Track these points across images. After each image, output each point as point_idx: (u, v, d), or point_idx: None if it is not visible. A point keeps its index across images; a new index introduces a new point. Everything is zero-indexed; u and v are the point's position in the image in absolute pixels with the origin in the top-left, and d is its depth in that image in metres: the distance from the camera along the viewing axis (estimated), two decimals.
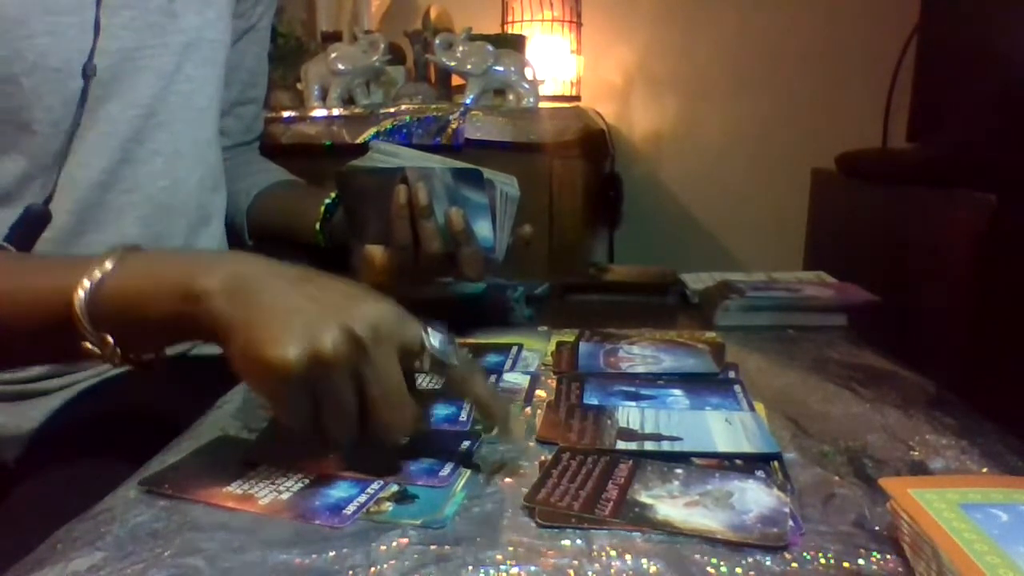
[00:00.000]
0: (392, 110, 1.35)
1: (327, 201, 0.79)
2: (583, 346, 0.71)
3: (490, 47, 1.43)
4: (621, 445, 0.50)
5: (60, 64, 0.63)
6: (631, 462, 0.47)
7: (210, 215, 0.80)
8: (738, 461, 0.48)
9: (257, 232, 0.89)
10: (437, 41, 1.44)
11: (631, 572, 0.37)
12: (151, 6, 0.70)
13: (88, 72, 0.63)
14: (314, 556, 0.39)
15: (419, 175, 0.66)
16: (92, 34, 0.63)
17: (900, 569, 0.37)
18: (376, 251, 0.70)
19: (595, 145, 1.80)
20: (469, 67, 1.43)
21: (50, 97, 0.64)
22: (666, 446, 0.50)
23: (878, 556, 0.38)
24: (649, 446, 0.50)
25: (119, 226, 0.70)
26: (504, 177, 0.69)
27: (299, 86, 1.58)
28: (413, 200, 0.65)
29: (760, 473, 0.46)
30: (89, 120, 0.66)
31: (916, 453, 0.50)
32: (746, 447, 0.49)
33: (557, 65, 1.71)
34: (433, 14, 1.65)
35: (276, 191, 0.89)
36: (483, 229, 0.67)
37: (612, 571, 0.37)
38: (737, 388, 0.60)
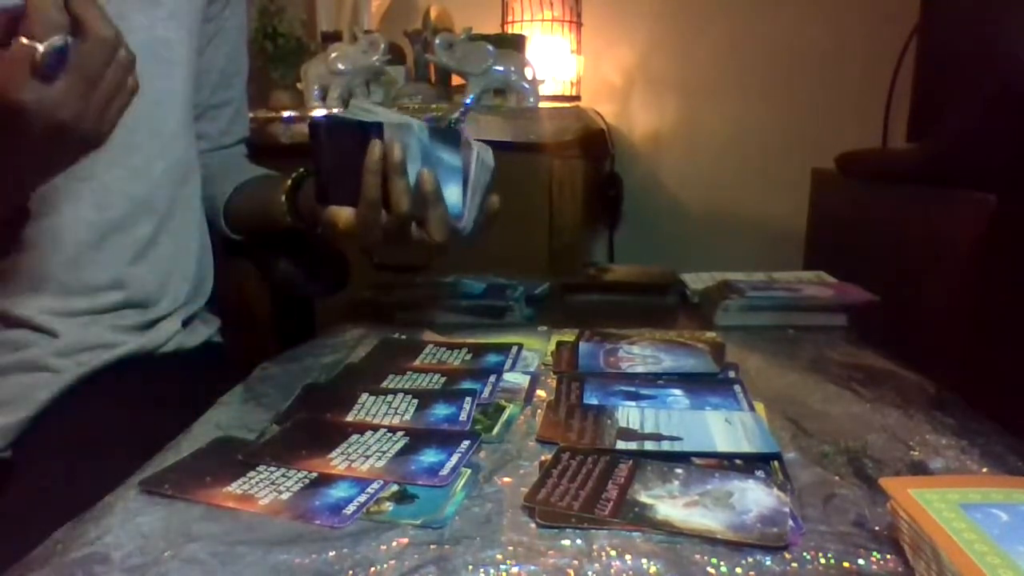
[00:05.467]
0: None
1: (294, 175, 0.79)
2: (583, 346, 0.71)
3: (490, 47, 1.43)
4: (621, 445, 0.50)
5: None
6: (631, 462, 0.47)
7: (180, 208, 0.81)
8: (738, 461, 0.48)
9: (234, 227, 0.89)
10: (437, 41, 1.44)
11: (631, 572, 0.37)
12: None
13: None
14: (314, 556, 0.39)
15: (395, 131, 0.66)
16: None
17: (900, 569, 0.37)
18: (342, 212, 0.70)
19: (595, 145, 1.80)
20: (469, 67, 1.43)
21: None
22: (666, 446, 0.50)
23: (878, 556, 0.38)
24: (649, 446, 0.50)
25: (75, 209, 0.71)
26: (482, 145, 0.69)
27: (299, 86, 1.58)
28: (387, 156, 0.66)
29: (760, 473, 0.46)
30: None
31: (916, 453, 0.50)
32: (746, 447, 0.49)
33: (557, 65, 1.71)
34: (433, 14, 1.66)
35: (251, 183, 0.89)
36: (453, 195, 0.68)
37: (612, 571, 0.37)
38: (737, 388, 0.60)
